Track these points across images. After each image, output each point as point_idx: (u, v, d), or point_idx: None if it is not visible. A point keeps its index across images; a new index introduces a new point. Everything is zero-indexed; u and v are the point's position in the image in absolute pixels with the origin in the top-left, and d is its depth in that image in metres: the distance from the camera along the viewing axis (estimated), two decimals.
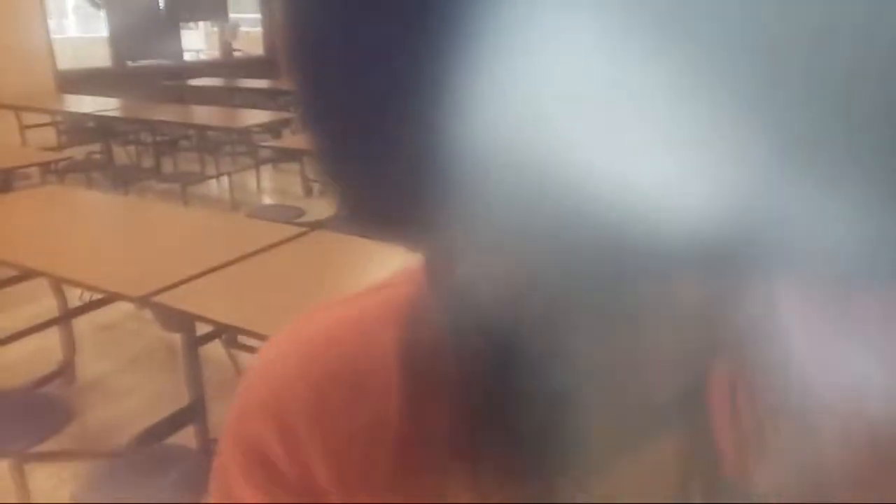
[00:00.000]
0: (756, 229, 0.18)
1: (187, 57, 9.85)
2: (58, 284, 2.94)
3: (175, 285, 2.10)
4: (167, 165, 6.78)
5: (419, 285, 0.37)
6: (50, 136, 6.94)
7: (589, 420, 0.30)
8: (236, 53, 10.34)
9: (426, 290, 0.37)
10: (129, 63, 8.66)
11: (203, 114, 6.45)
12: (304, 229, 2.69)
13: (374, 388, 0.37)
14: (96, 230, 2.92)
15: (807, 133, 0.17)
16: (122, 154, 7.30)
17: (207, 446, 2.46)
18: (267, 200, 6.62)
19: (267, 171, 7.33)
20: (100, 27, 8.71)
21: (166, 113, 6.31)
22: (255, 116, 6.25)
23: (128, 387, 3.11)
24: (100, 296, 2.42)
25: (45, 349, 3.21)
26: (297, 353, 0.41)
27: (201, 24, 10.60)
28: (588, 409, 0.29)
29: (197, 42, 10.83)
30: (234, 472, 0.40)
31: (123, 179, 5.86)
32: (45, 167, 5.06)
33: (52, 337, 3.15)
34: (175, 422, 2.43)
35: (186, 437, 2.36)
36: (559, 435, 0.31)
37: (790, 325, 0.20)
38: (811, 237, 0.17)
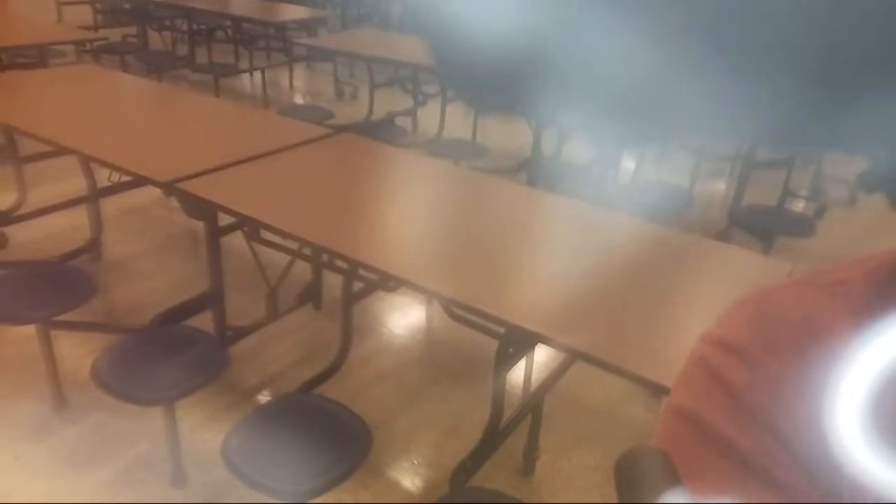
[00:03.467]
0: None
1: None
2: (87, 163, 3.00)
3: (201, 174, 2.14)
4: (201, 55, 6.74)
5: (875, 283, 0.43)
6: (86, 14, 6.90)
7: None
8: None
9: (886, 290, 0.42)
10: None
11: (240, 5, 6.35)
12: (331, 131, 2.71)
13: (826, 337, 0.42)
14: (128, 113, 2.95)
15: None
16: (157, 40, 7.25)
17: (223, 331, 2.56)
18: (298, 100, 6.60)
19: (300, 70, 7.27)
20: None
21: (202, 1, 6.22)
22: (293, 12, 6.15)
23: (151, 269, 3.21)
24: (128, 178, 2.47)
25: (74, 227, 3.30)
26: (755, 300, 0.47)
27: None
28: None
29: None
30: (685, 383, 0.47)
31: (157, 65, 5.84)
32: (81, 46, 5.06)
33: (81, 215, 3.24)
34: (194, 306, 2.52)
35: (204, 321, 2.46)
36: None
37: None
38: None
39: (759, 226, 3.37)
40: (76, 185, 3.18)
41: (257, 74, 6.50)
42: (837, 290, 0.44)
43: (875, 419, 0.33)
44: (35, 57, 4.26)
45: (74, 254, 3.12)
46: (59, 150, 2.46)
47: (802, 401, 0.42)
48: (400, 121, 4.93)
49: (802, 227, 3.45)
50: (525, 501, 1.56)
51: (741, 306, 0.48)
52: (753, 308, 0.46)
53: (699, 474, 0.33)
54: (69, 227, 3.32)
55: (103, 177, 3.12)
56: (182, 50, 6.99)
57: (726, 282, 1.80)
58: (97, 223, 3.22)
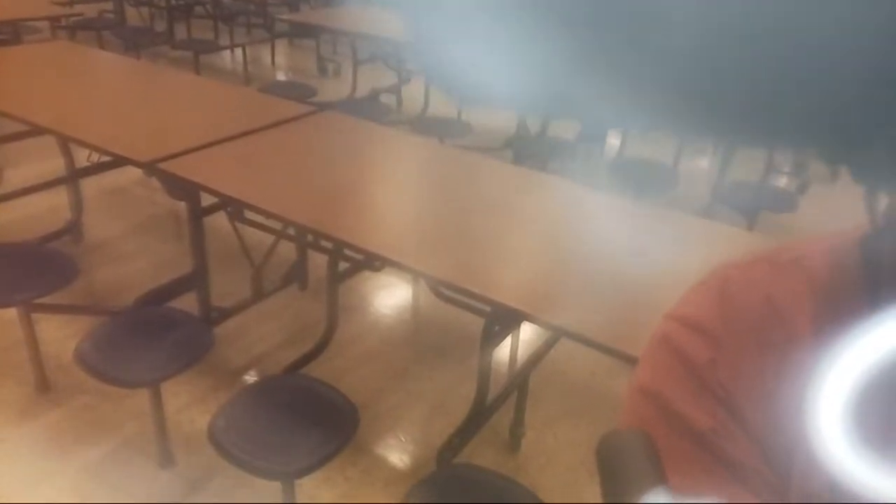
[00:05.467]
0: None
1: None
2: (65, 143, 2.95)
3: (182, 153, 2.11)
4: (180, 31, 6.63)
5: (834, 261, 0.43)
6: None
7: None
8: None
9: (843, 266, 0.42)
10: None
11: None
12: (314, 108, 2.68)
13: (786, 315, 0.43)
14: (106, 91, 2.90)
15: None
16: (134, 15, 7.12)
17: (208, 312, 2.55)
18: (280, 77, 6.52)
19: (282, 46, 7.17)
20: None
21: None
22: None
23: (133, 250, 3.18)
24: (107, 158, 2.44)
25: (53, 208, 3.26)
26: (717, 278, 0.48)
27: None
28: None
29: None
30: (651, 365, 0.48)
31: (135, 42, 5.74)
32: (56, 22, 4.95)
33: (61, 196, 3.19)
34: (178, 287, 2.51)
35: (188, 302, 2.44)
36: None
37: None
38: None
39: (743, 202, 3.39)
40: (55, 165, 3.13)
41: (238, 51, 6.41)
42: (797, 267, 0.45)
43: (833, 400, 0.33)
44: (8, 34, 4.18)
45: (55, 235, 3.08)
46: (36, 130, 2.42)
47: (762, 380, 0.42)
48: (384, 98, 4.89)
49: (785, 202, 3.47)
50: (511, 477, 1.57)
51: (703, 285, 0.48)
52: (716, 287, 0.47)
53: (666, 462, 0.34)
54: (48, 209, 3.28)
55: (82, 157, 3.08)
56: (160, 26, 6.87)
57: (711, 258, 1.80)
58: (77, 204, 3.18)
